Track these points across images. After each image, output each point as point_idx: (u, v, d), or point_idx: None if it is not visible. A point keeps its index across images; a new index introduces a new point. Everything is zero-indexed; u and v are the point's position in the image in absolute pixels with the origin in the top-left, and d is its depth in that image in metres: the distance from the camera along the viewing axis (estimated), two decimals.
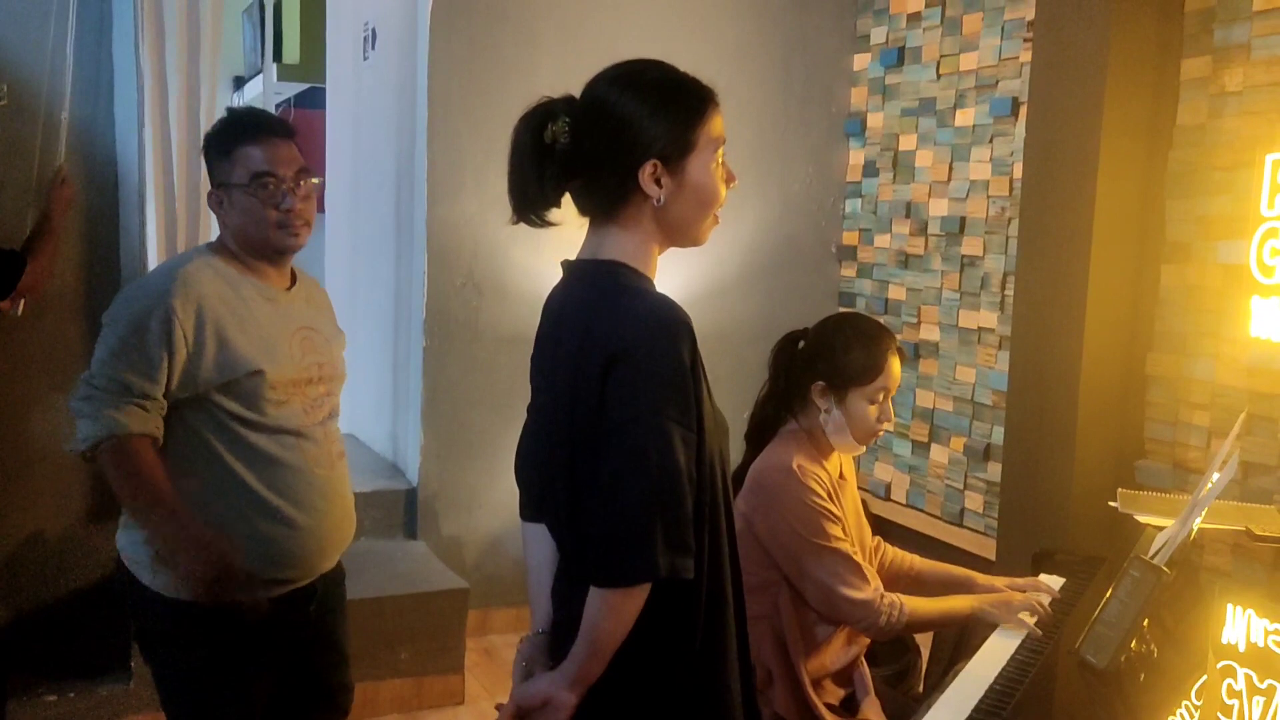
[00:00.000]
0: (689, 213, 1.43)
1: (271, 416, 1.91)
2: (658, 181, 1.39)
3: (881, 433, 2.07)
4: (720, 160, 1.44)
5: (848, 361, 2.02)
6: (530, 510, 1.56)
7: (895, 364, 2.05)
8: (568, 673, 1.37)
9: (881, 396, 2.03)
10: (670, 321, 1.35)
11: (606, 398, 1.33)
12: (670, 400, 1.32)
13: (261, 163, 1.90)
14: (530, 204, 1.41)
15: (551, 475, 1.44)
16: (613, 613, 1.34)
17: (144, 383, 1.82)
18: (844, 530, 2.01)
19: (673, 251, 1.52)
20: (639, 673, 1.39)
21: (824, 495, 2.00)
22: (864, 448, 2.11)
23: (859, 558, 2.02)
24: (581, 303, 1.42)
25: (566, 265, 1.48)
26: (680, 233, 1.45)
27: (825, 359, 2.05)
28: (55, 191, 2.96)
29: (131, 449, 1.82)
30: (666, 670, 1.40)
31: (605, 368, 1.33)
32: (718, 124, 1.44)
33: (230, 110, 2.10)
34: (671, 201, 1.41)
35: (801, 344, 2.12)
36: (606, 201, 1.42)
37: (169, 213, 3.19)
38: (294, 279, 2.06)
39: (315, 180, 1.99)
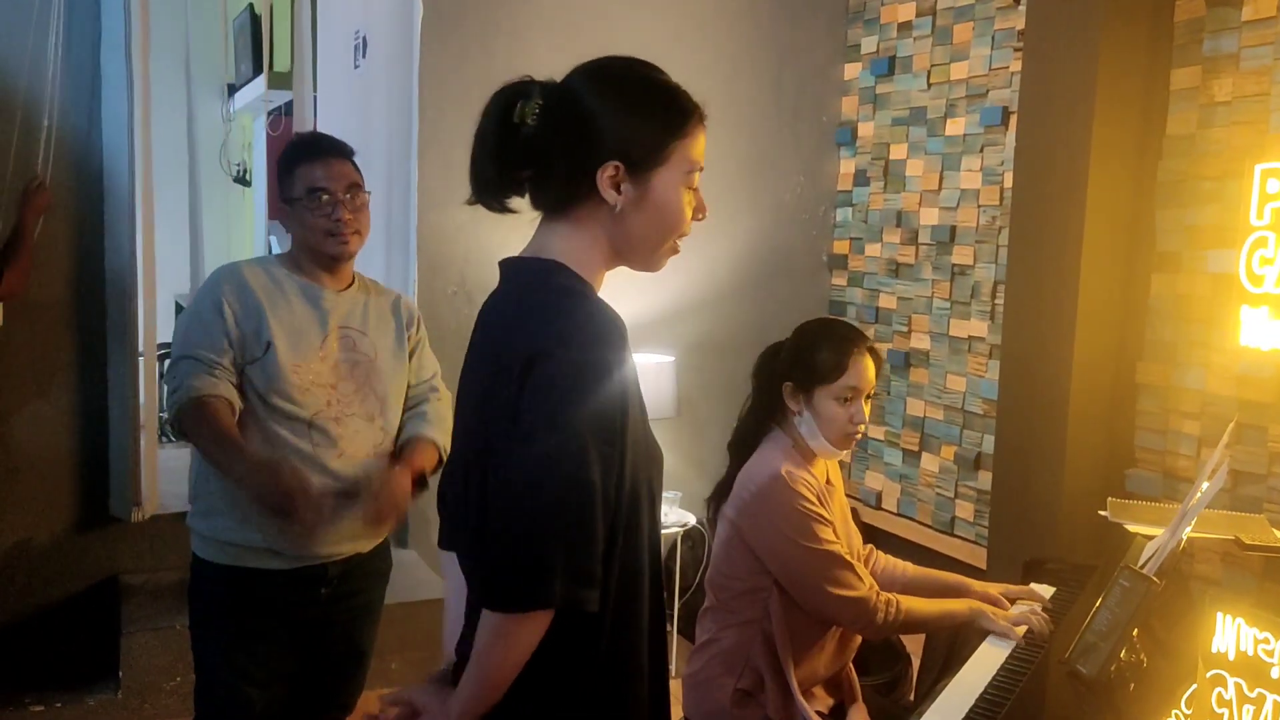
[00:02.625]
0: (647, 231, 1.30)
1: (295, 401, 2.08)
2: (617, 187, 1.27)
3: (858, 435, 2.06)
4: (694, 187, 1.33)
5: (814, 361, 2.03)
6: (445, 537, 1.40)
7: (864, 364, 2.03)
8: (458, 700, 1.25)
9: (850, 395, 2.02)
10: (608, 329, 1.25)
11: (522, 402, 1.20)
12: (593, 412, 1.20)
13: (316, 179, 2.12)
14: (486, 185, 1.32)
15: (465, 493, 1.30)
16: (503, 640, 1.20)
17: (210, 353, 2.04)
18: (834, 533, 2.01)
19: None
20: (532, 701, 1.26)
21: (813, 499, 2.00)
22: (843, 452, 2.10)
23: (850, 558, 2.01)
24: (507, 300, 1.32)
25: (504, 264, 1.36)
26: (633, 251, 1.33)
27: (793, 360, 2.06)
28: (30, 199, 2.96)
29: (206, 407, 2.02)
30: (562, 699, 1.28)
31: (525, 367, 1.20)
32: (699, 146, 1.32)
33: (297, 134, 2.43)
34: (630, 212, 1.29)
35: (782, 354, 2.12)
36: (560, 197, 1.30)
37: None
38: (354, 284, 2.24)
39: (366, 194, 2.19)
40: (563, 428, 1.18)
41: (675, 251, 1.36)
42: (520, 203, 1.35)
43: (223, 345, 2.06)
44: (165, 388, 2.12)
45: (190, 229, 4.02)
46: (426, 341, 2.36)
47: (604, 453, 1.21)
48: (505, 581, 1.19)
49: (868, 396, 2.06)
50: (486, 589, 1.22)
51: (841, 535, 2.07)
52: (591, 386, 1.20)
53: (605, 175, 1.27)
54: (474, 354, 1.36)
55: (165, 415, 2.13)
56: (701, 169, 1.34)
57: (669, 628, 3.86)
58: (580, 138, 1.27)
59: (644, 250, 1.33)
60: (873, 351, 2.06)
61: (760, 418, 2.11)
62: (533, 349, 1.21)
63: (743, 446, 2.12)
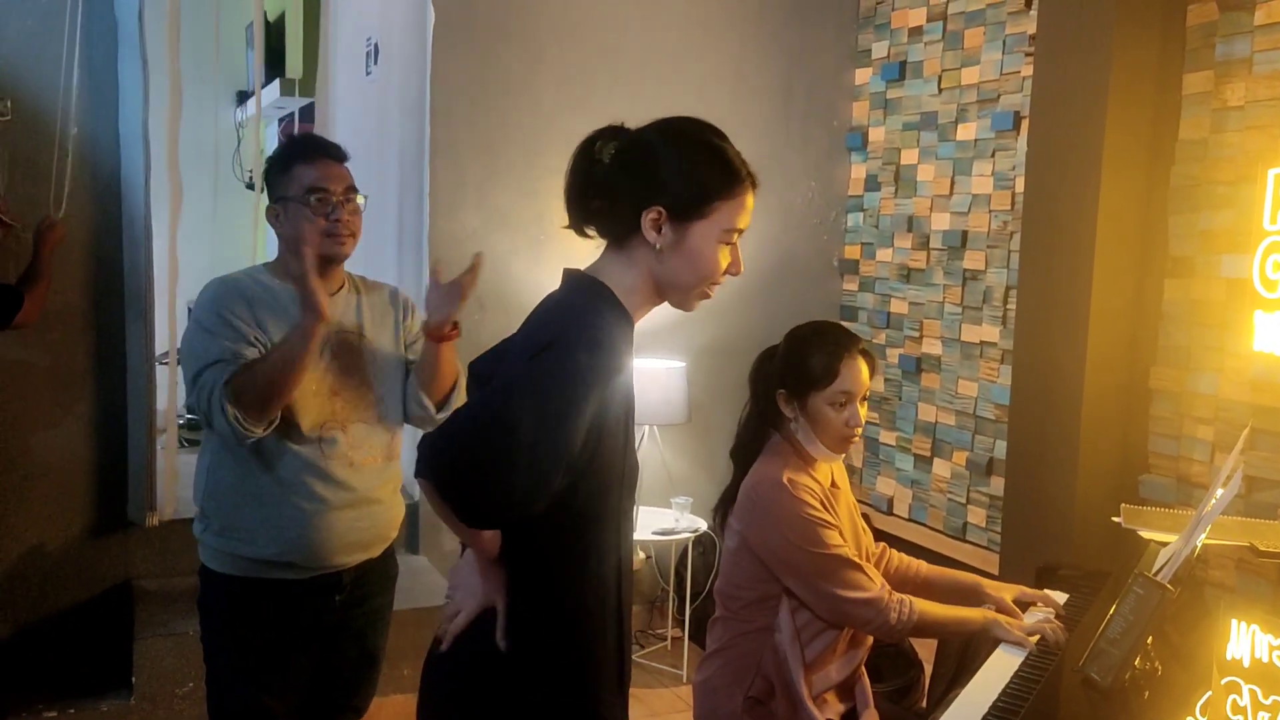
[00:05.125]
0: (680, 274, 1.46)
1: (298, 415, 2.07)
2: (658, 229, 1.43)
3: (854, 438, 2.05)
4: (731, 244, 1.47)
5: (806, 367, 2.02)
6: None
7: (857, 367, 2.02)
8: None
9: (844, 400, 2.01)
10: (606, 353, 1.40)
11: (527, 367, 1.38)
12: (552, 398, 1.34)
13: (316, 179, 2.10)
14: (570, 212, 1.49)
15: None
16: (425, 494, 1.41)
17: (225, 354, 2.01)
18: (840, 536, 2.00)
19: None
20: (497, 672, 1.46)
21: (817, 505, 1.99)
22: (841, 455, 2.09)
23: (859, 559, 2.01)
24: (552, 304, 1.49)
25: (565, 273, 1.53)
26: (668, 288, 1.48)
27: (785, 366, 2.05)
28: (44, 235, 2.99)
29: (235, 384, 1.97)
30: (529, 684, 1.46)
31: (538, 350, 1.38)
32: (743, 211, 1.47)
33: (290, 135, 2.31)
34: (668, 254, 1.44)
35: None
36: (616, 230, 1.47)
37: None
38: (344, 286, 2.21)
39: (363, 197, 2.18)
40: (530, 395, 1.34)
41: (707, 296, 1.51)
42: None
43: (241, 348, 2.03)
44: (199, 404, 2.02)
45: (204, 235, 4.04)
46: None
47: (543, 433, 1.33)
48: (421, 450, 1.39)
49: (863, 399, 2.05)
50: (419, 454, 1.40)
51: (849, 537, 2.07)
52: (565, 383, 1.35)
53: (649, 217, 1.43)
54: (518, 332, 1.52)
55: (221, 430, 2.01)
56: (742, 231, 1.48)
57: (680, 633, 3.87)
58: (637, 179, 1.44)
59: (677, 290, 1.48)
60: (865, 354, 2.05)
61: (759, 424, 2.11)
62: (546, 338, 1.39)
63: (744, 454, 2.11)
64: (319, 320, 1.97)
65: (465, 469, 1.33)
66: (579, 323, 1.41)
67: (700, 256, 1.45)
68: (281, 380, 1.98)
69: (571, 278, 1.51)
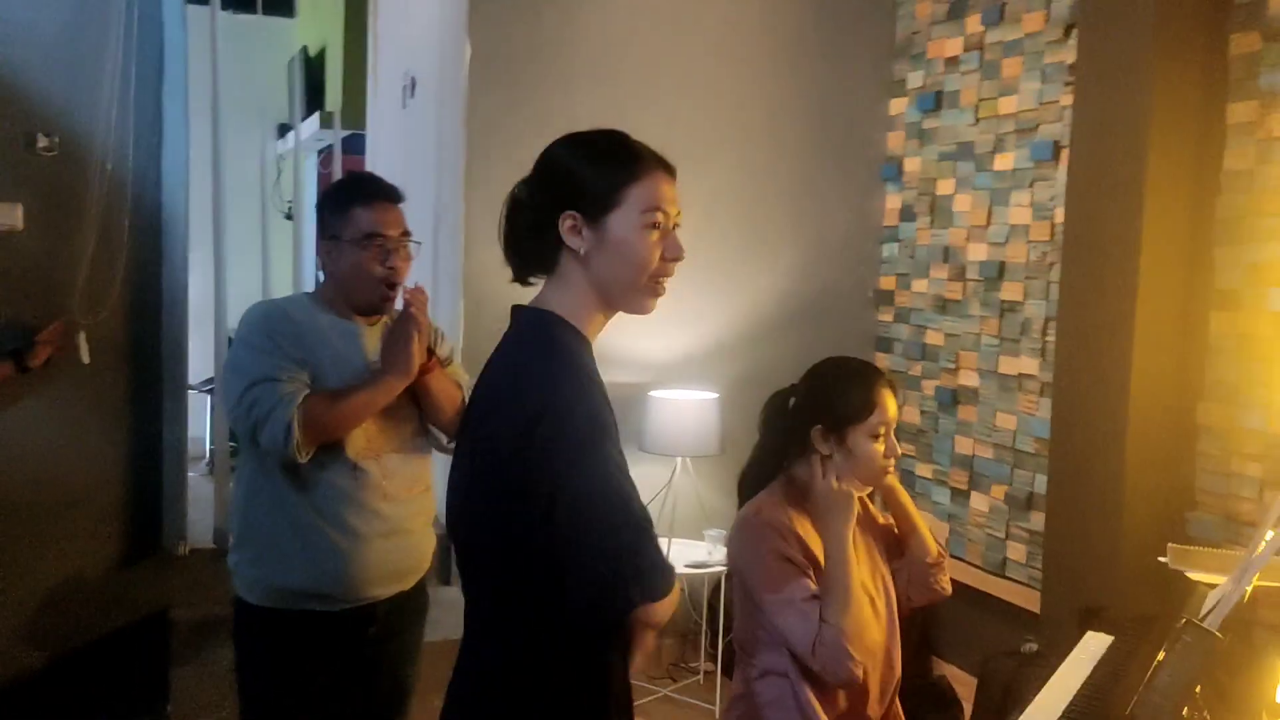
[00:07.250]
0: (615, 272, 1.42)
1: (339, 442, 2.07)
2: (579, 233, 1.41)
3: (890, 469, 2.01)
4: (657, 226, 1.42)
5: (841, 402, 1.98)
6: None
7: (890, 398, 2.00)
8: None
9: (883, 431, 1.98)
10: (582, 382, 1.38)
11: (539, 458, 1.34)
12: (596, 441, 1.34)
13: (373, 223, 2.10)
14: (512, 264, 1.48)
15: (473, 522, 1.48)
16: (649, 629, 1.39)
17: (279, 374, 2.02)
18: (799, 571, 1.91)
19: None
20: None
21: (787, 538, 1.92)
22: (872, 488, 2.05)
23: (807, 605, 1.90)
24: (510, 352, 1.46)
25: (512, 310, 1.50)
26: (612, 293, 1.44)
27: (820, 403, 2.01)
28: (53, 328, 3.11)
29: (308, 408, 1.99)
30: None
31: (528, 426, 1.34)
32: (659, 191, 1.42)
33: (350, 174, 2.33)
34: (594, 256, 1.41)
35: (793, 400, 2.07)
36: (546, 256, 1.45)
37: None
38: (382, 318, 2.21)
39: (417, 243, 2.19)
40: (586, 463, 1.34)
41: (657, 292, 1.46)
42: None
43: (289, 368, 2.04)
44: (246, 418, 2.02)
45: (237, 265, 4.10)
46: (456, 352, 2.35)
47: (620, 464, 1.36)
48: (592, 604, 1.36)
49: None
50: (583, 613, 1.38)
51: (860, 562, 2.01)
52: (587, 428, 1.35)
53: (565, 225, 1.41)
54: (483, 392, 1.48)
55: (271, 444, 2.01)
56: (665, 212, 1.43)
57: (713, 667, 3.82)
58: (548, 193, 1.43)
59: (620, 291, 1.44)
60: (891, 384, 2.04)
61: (771, 466, 2.05)
62: (533, 410, 1.35)
63: (745, 492, 2.06)
64: (408, 381, 2.06)
65: (628, 572, 1.32)
66: (556, 378, 1.38)
67: (626, 245, 1.40)
68: (352, 421, 2.06)
69: (519, 316, 1.48)
